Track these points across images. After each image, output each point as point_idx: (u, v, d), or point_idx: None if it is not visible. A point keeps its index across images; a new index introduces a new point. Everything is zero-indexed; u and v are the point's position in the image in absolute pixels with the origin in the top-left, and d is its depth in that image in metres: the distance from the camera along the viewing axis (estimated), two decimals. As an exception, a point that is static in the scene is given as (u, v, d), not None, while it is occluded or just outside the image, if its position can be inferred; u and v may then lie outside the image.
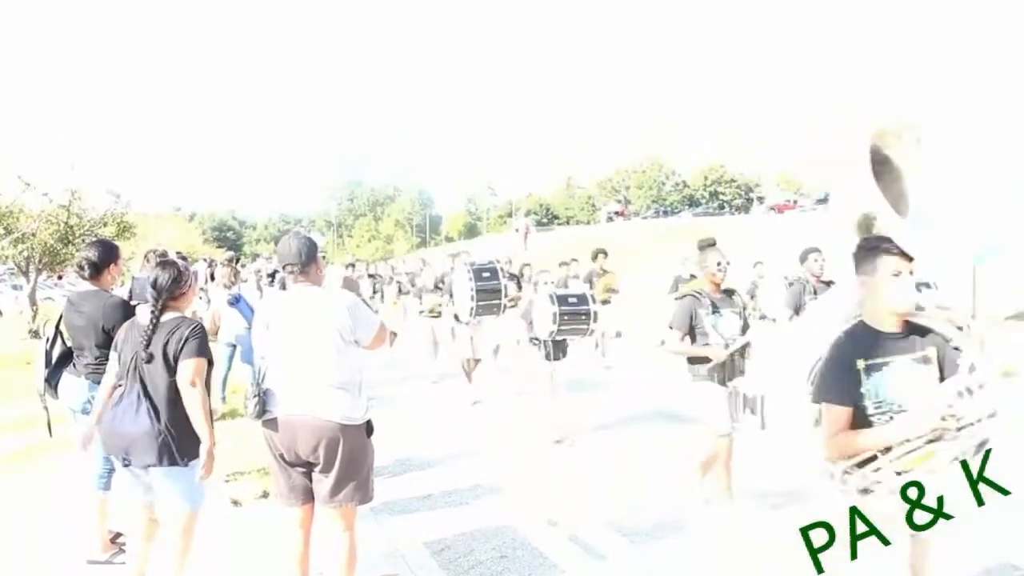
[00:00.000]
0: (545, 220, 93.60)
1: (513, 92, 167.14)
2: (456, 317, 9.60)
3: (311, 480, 3.84)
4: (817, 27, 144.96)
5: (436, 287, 11.49)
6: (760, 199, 75.57)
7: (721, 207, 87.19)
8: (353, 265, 20.85)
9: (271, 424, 3.77)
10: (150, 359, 3.83)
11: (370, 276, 17.84)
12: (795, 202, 59.95)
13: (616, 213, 75.32)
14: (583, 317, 7.45)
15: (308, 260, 3.87)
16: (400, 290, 15.06)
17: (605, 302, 11.82)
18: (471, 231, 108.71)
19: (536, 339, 7.84)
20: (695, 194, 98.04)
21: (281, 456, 3.80)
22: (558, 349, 7.83)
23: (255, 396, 3.76)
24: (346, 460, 3.73)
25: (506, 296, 8.04)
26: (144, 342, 3.84)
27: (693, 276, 13.32)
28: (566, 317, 7.33)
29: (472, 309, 7.98)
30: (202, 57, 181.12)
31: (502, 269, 8.12)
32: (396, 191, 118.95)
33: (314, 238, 4.07)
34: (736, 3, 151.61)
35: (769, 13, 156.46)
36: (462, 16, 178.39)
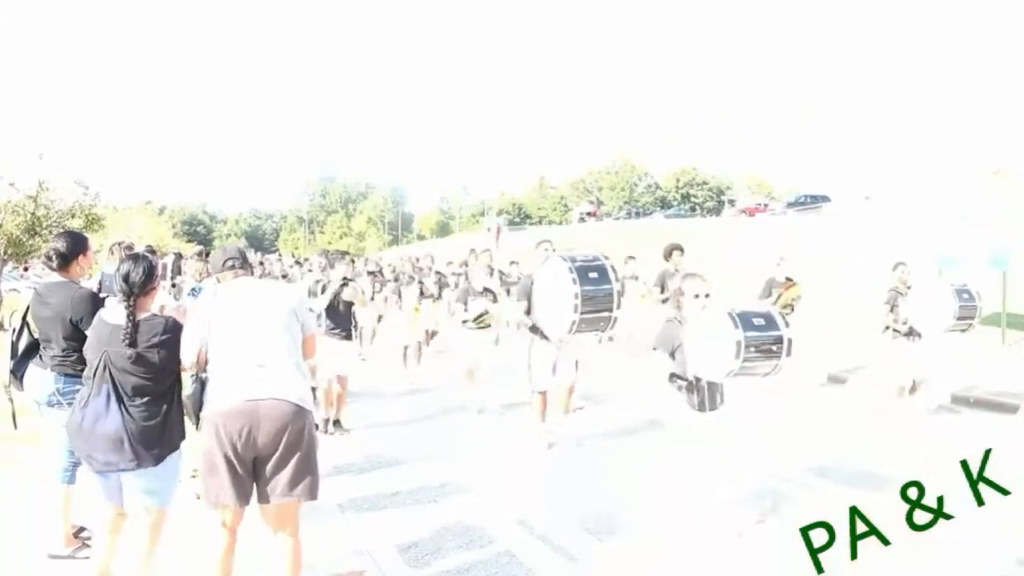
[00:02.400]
0: (518, 220, 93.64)
1: (487, 92, 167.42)
2: (533, 330, 7.46)
3: (252, 477, 3.64)
4: (793, 29, 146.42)
5: (485, 290, 9.35)
6: (731, 202, 75.99)
7: (693, 209, 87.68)
8: (354, 260, 16.16)
9: (222, 415, 3.56)
10: (136, 359, 3.78)
11: (370, 274, 15.12)
12: (766, 205, 60.32)
13: (588, 214, 75.37)
14: (774, 348, 4.99)
15: (246, 259, 4.18)
16: (422, 292, 12.28)
17: None
18: (443, 230, 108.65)
19: (684, 379, 5.34)
20: (667, 196, 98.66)
21: (233, 449, 3.54)
22: (715, 394, 5.40)
23: (192, 377, 3.73)
24: (307, 448, 3.64)
25: (619, 306, 6.00)
26: (127, 341, 3.77)
27: (789, 280, 11.38)
28: (752, 349, 4.89)
29: (573, 323, 5.87)
30: (175, 50, 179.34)
31: (613, 267, 6.09)
32: (369, 188, 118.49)
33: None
34: (710, 6, 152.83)
35: (744, 15, 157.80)
36: (438, 16, 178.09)
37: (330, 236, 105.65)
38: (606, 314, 6.01)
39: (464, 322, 9.34)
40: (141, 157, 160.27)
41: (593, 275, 6.00)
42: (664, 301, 9.98)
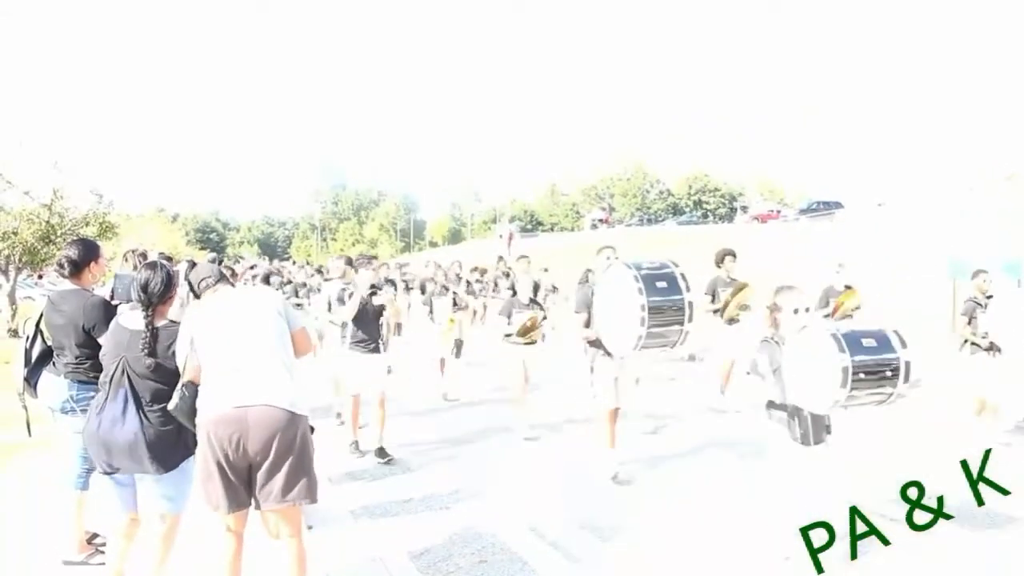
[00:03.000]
0: (529, 226, 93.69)
1: (499, 99, 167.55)
2: (595, 345, 6.74)
3: (248, 483, 3.67)
4: (793, 29, 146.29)
5: (532, 301, 8.80)
6: (744, 208, 75.77)
7: (705, 216, 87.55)
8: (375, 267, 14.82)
9: (213, 422, 3.58)
10: (154, 368, 3.81)
11: (388, 281, 13.96)
12: (778, 212, 60.09)
13: (600, 220, 75.07)
14: (888, 373, 4.27)
15: (222, 273, 4.20)
16: (455, 303, 11.33)
17: (732, 321, 9.37)
18: (455, 236, 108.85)
19: (785, 409, 4.72)
20: (679, 202, 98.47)
21: (225, 456, 3.57)
22: (820, 426, 4.65)
23: (180, 388, 3.70)
24: (299, 452, 3.63)
25: (691, 319, 5.34)
26: (146, 349, 3.80)
27: (848, 287, 10.57)
28: (862, 376, 4.19)
29: (640, 338, 5.23)
30: (188, 58, 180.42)
31: (684, 275, 5.50)
32: (381, 195, 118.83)
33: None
34: (722, 11, 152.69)
35: (744, 15, 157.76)
36: (450, 23, 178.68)
37: (342, 243, 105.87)
38: (676, 327, 5.35)
39: (507, 336, 8.59)
40: (154, 165, 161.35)
41: (661, 284, 5.36)
42: (715, 312, 9.65)
